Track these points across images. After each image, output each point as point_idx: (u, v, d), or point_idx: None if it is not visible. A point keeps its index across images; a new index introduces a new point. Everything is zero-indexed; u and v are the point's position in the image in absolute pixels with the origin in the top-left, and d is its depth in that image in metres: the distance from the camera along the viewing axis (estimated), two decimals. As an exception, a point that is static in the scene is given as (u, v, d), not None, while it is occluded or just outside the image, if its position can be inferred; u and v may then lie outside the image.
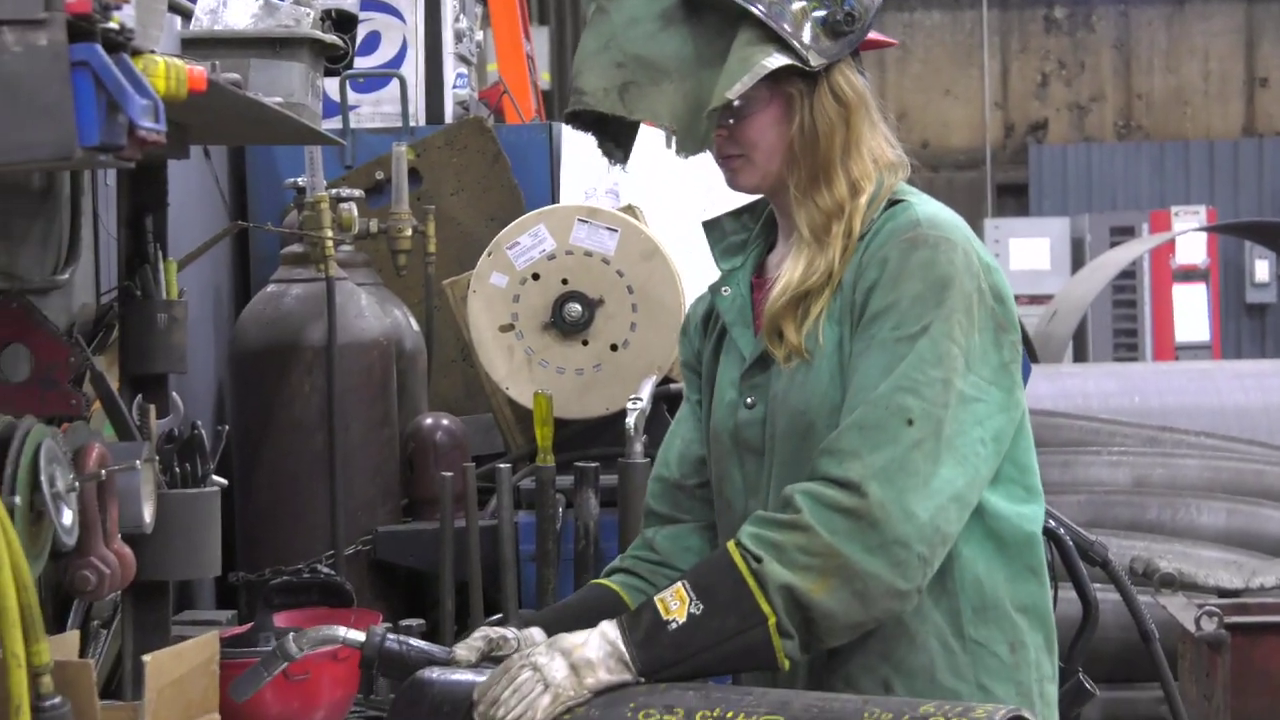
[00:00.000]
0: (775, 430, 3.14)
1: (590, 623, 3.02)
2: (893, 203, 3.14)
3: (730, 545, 2.96)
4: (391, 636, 3.17)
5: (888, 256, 3.05)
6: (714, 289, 3.32)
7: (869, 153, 3.18)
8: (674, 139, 3.15)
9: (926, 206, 3.12)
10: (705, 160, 3.24)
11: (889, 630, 3.06)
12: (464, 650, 3.10)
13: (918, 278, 3.01)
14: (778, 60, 3.08)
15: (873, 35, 3.22)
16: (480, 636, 3.13)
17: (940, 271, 3.01)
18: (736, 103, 3.10)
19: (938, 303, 2.99)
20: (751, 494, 3.20)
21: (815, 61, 3.11)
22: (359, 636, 3.17)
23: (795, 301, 3.12)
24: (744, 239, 3.34)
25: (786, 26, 3.09)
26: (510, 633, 3.16)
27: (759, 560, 2.91)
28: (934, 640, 3.08)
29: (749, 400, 3.20)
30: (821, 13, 3.11)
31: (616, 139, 3.33)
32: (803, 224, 3.16)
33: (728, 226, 3.37)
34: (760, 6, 3.08)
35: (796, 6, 3.10)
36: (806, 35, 3.10)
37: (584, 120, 3.28)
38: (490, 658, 3.09)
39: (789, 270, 3.15)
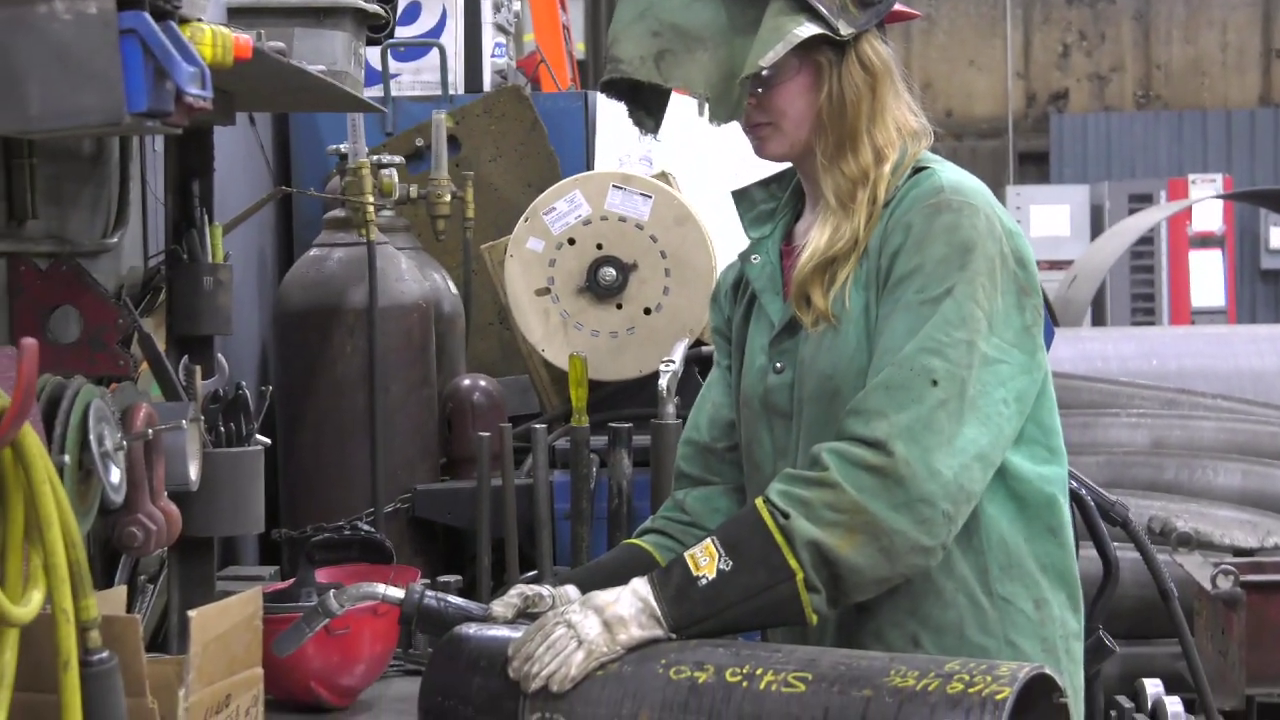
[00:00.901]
0: (803, 394, 3.13)
1: (622, 581, 3.02)
2: (917, 170, 3.12)
3: (759, 502, 2.95)
4: (430, 594, 3.16)
5: (912, 222, 3.03)
6: (743, 257, 3.31)
7: (893, 121, 3.16)
8: (707, 106, 3.13)
9: (950, 173, 3.10)
10: (736, 128, 3.22)
11: (917, 587, 3.05)
12: (500, 607, 3.09)
13: (941, 241, 2.99)
14: (808, 30, 3.05)
15: (899, 7, 3.20)
16: (516, 594, 3.12)
17: (963, 235, 2.99)
18: (766, 71, 3.08)
19: (961, 266, 2.98)
20: (780, 457, 3.18)
21: (845, 31, 3.09)
22: (398, 594, 3.16)
23: (822, 267, 3.10)
24: (773, 207, 3.32)
25: None
26: (546, 590, 3.15)
27: (786, 516, 2.90)
28: (962, 596, 3.07)
29: (778, 365, 3.18)
30: None
31: (648, 108, 3.31)
32: (829, 191, 3.14)
33: (757, 195, 3.35)
34: None
35: None
36: (836, 5, 3.08)
37: (618, 88, 3.26)
38: (526, 615, 3.08)
39: (816, 237, 3.13)
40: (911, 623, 3.08)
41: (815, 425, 3.08)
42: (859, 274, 3.08)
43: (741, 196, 3.35)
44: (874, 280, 3.06)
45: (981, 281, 2.98)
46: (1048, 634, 3.11)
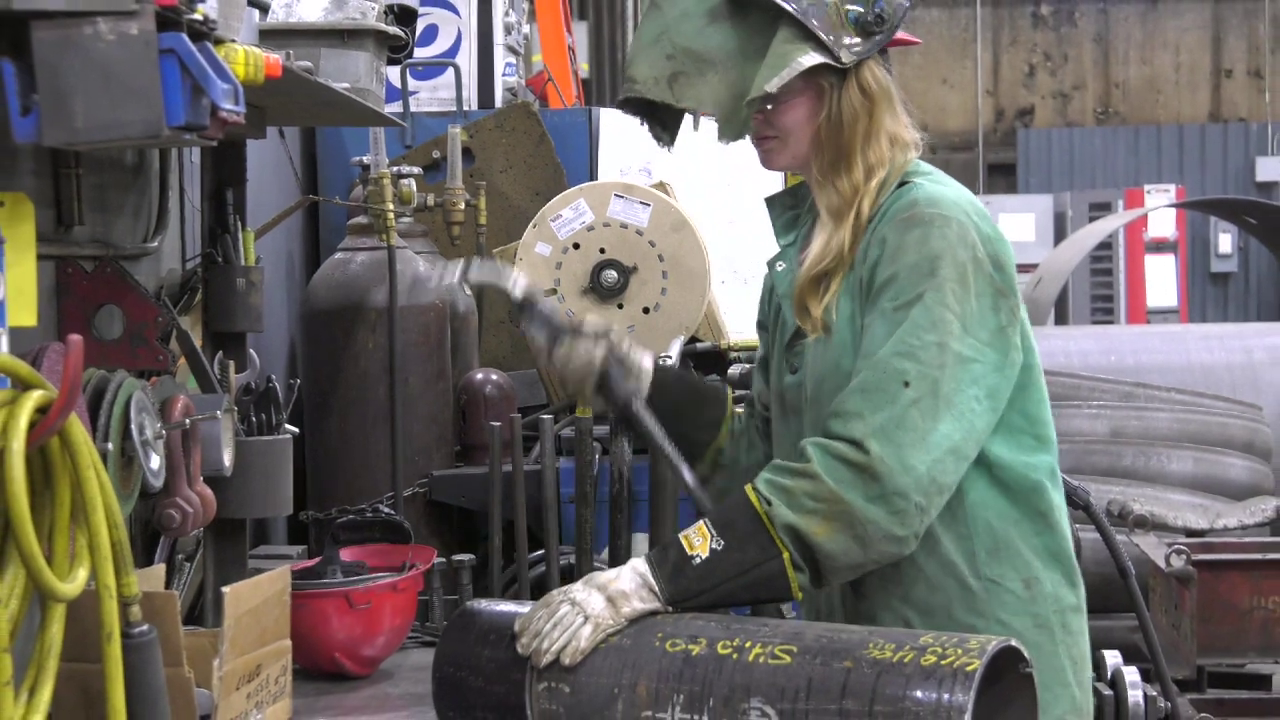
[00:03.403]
0: (808, 395, 3.13)
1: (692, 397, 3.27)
2: (902, 183, 3.10)
3: (748, 488, 2.96)
4: (539, 293, 3.24)
5: (887, 235, 3.02)
6: (770, 264, 3.31)
7: (887, 138, 3.14)
8: (717, 125, 3.13)
9: (928, 188, 3.07)
10: (732, 143, 3.21)
11: (906, 574, 3.04)
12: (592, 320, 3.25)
13: (913, 252, 2.98)
14: (813, 59, 3.04)
15: (900, 35, 3.18)
16: (605, 324, 3.26)
17: (933, 245, 2.97)
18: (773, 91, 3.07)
19: (930, 273, 2.96)
20: (792, 450, 3.18)
21: (846, 59, 3.07)
22: (520, 288, 3.24)
23: (816, 280, 3.10)
24: (796, 214, 3.31)
25: (821, 26, 3.05)
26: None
27: (769, 503, 2.90)
28: (950, 580, 3.05)
29: (792, 366, 3.19)
30: (856, 9, 3.07)
31: (664, 124, 3.30)
32: (823, 205, 3.14)
33: (783, 202, 3.35)
34: (796, 5, 3.04)
35: (832, 3, 3.06)
36: (840, 34, 3.06)
37: (635, 106, 3.25)
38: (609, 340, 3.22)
39: (813, 249, 3.13)
40: (904, 608, 3.07)
41: (816, 425, 3.07)
42: (847, 284, 3.07)
43: (771, 203, 3.36)
44: (858, 290, 3.05)
45: (951, 287, 2.96)
46: (1039, 610, 3.09)
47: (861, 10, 3.07)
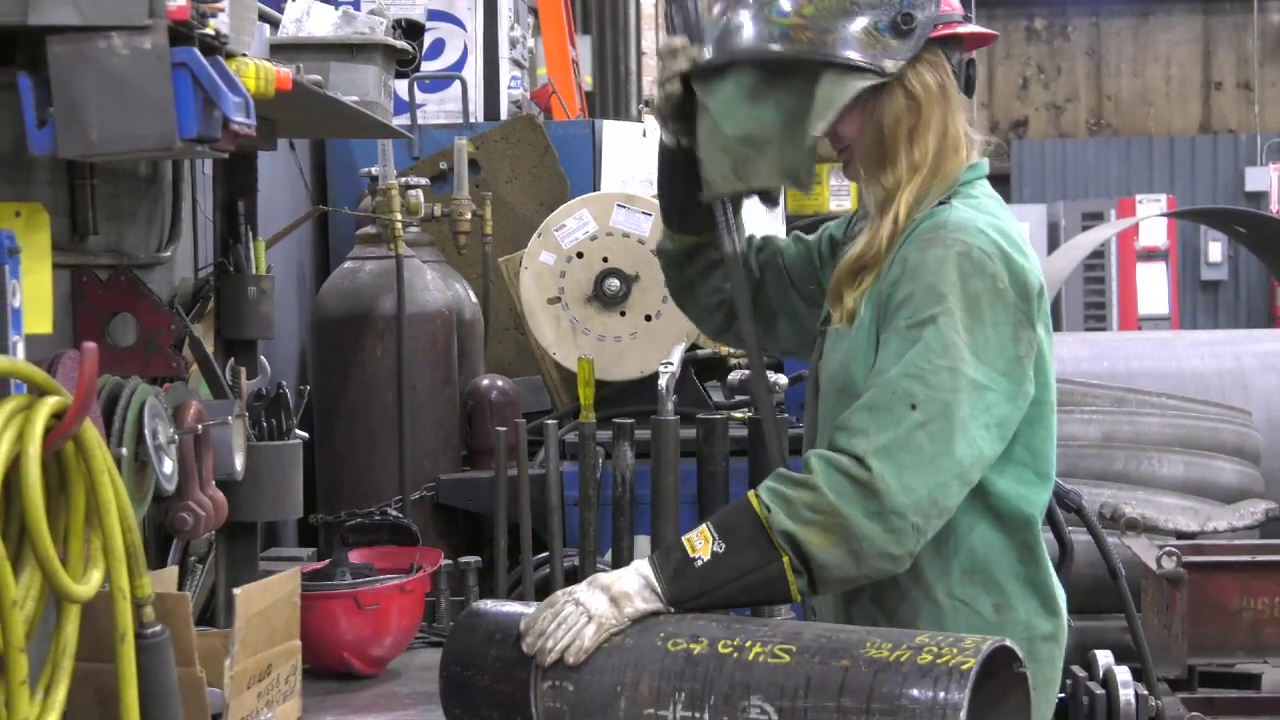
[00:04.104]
0: (821, 379, 3.15)
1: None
2: (943, 201, 3.08)
3: (750, 494, 2.96)
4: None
5: (908, 255, 3.00)
6: (848, 234, 3.34)
7: (935, 137, 3.10)
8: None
9: (961, 211, 3.04)
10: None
11: (885, 585, 3.04)
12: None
13: (929, 273, 2.96)
14: (855, 88, 3.03)
15: (973, 29, 3.13)
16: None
17: (950, 270, 2.95)
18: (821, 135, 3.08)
19: (944, 297, 2.93)
20: (813, 427, 3.21)
21: (892, 68, 3.04)
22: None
23: (854, 272, 3.09)
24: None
25: (858, 54, 3.04)
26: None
27: (769, 510, 2.90)
28: (919, 592, 3.06)
29: (820, 349, 3.20)
30: (883, 21, 3.05)
31: (760, 193, 3.29)
32: (870, 200, 3.14)
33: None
34: (828, 50, 3.03)
35: (858, 28, 3.04)
36: (877, 48, 3.04)
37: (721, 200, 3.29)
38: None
39: (858, 242, 3.12)
40: (873, 608, 3.08)
41: (828, 416, 3.09)
42: (872, 291, 3.07)
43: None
44: (880, 303, 3.04)
45: (960, 315, 2.94)
46: (1007, 635, 3.08)
47: (889, 17, 3.06)
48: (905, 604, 3.06)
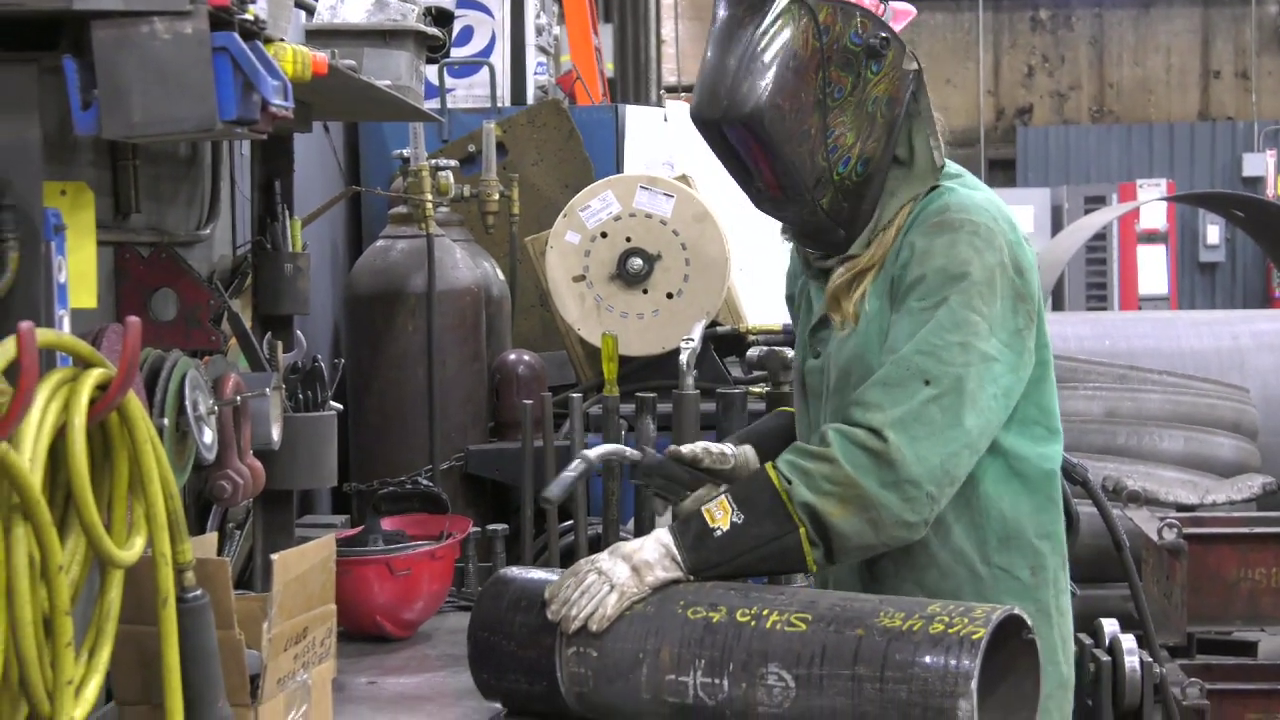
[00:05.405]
0: (830, 382, 3.10)
1: (784, 440, 3.15)
2: (933, 187, 3.05)
3: (768, 467, 2.95)
4: (656, 456, 3.31)
5: (915, 240, 2.99)
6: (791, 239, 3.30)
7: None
8: None
9: (960, 193, 3.03)
10: None
11: (921, 561, 3.03)
12: (686, 448, 3.29)
13: (940, 256, 2.95)
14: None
15: (899, 9, 3.11)
16: (701, 448, 3.27)
17: (960, 251, 2.94)
18: None
19: (958, 277, 2.93)
20: (811, 431, 3.16)
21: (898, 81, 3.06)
22: (636, 454, 3.32)
23: (850, 281, 3.07)
24: None
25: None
26: (728, 449, 3.30)
27: (789, 482, 2.88)
28: (961, 568, 3.04)
29: (815, 351, 3.16)
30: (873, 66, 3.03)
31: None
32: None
33: None
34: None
35: (867, 100, 3.02)
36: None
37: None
38: (700, 468, 3.26)
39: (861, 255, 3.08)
40: (917, 591, 3.05)
41: (838, 413, 3.05)
42: (876, 284, 3.04)
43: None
44: (887, 289, 3.02)
45: (979, 290, 2.92)
46: (1041, 596, 3.08)
47: (864, 45, 3.02)
48: (949, 581, 3.04)
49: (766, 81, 2.91)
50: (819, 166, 2.97)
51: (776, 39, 2.93)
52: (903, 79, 3.06)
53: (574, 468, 3.24)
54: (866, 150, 3.01)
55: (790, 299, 3.39)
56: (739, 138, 2.96)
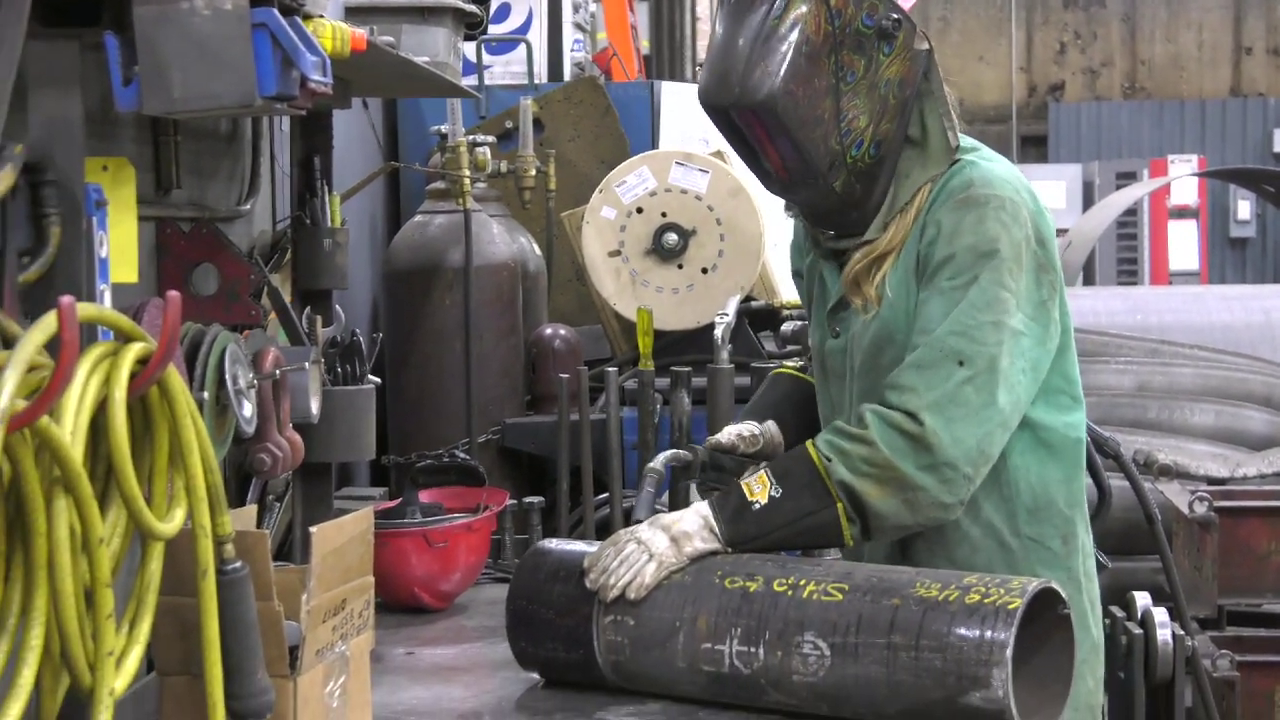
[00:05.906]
0: (854, 364, 3.07)
1: (798, 409, 3.22)
2: (954, 162, 3.01)
3: (808, 444, 2.94)
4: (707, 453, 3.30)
5: (942, 217, 2.95)
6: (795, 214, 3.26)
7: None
8: None
9: (982, 167, 2.99)
10: None
11: (952, 538, 3.02)
12: (723, 436, 3.26)
13: (969, 233, 2.91)
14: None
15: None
16: (734, 433, 3.26)
17: (989, 227, 2.90)
18: None
19: (988, 254, 2.90)
20: (835, 412, 3.14)
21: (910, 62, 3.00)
22: (688, 455, 3.32)
23: (871, 264, 3.03)
24: None
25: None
26: (756, 428, 3.29)
27: (829, 459, 2.87)
28: (992, 541, 3.02)
29: (834, 330, 3.13)
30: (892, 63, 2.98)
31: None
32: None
33: None
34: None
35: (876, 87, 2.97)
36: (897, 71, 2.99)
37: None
38: (738, 454, 3.26)
39: (879, 238, 3.05)
40: (948, 566, 3.03)
41: (867, 394, 3.02)
42: (899, 263, 3.00)
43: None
44: (913, 268, 2.99)
45: (1009, 266, 2.90)
46: (1072, 564, 3.07)
47: (875, 27, 2.97)
48: (980, 555, 3.02)
49: (779, 68, 2.86)
50: (832, 150, 2.92)
51: (788, 23, 2.87)
52: (914, 59, 2.98)
53: (650, 482, 3.22)
54: (879, 132, 2.96)
55: (797, 274, 3.35)
56: (751, 124, 2.93)
